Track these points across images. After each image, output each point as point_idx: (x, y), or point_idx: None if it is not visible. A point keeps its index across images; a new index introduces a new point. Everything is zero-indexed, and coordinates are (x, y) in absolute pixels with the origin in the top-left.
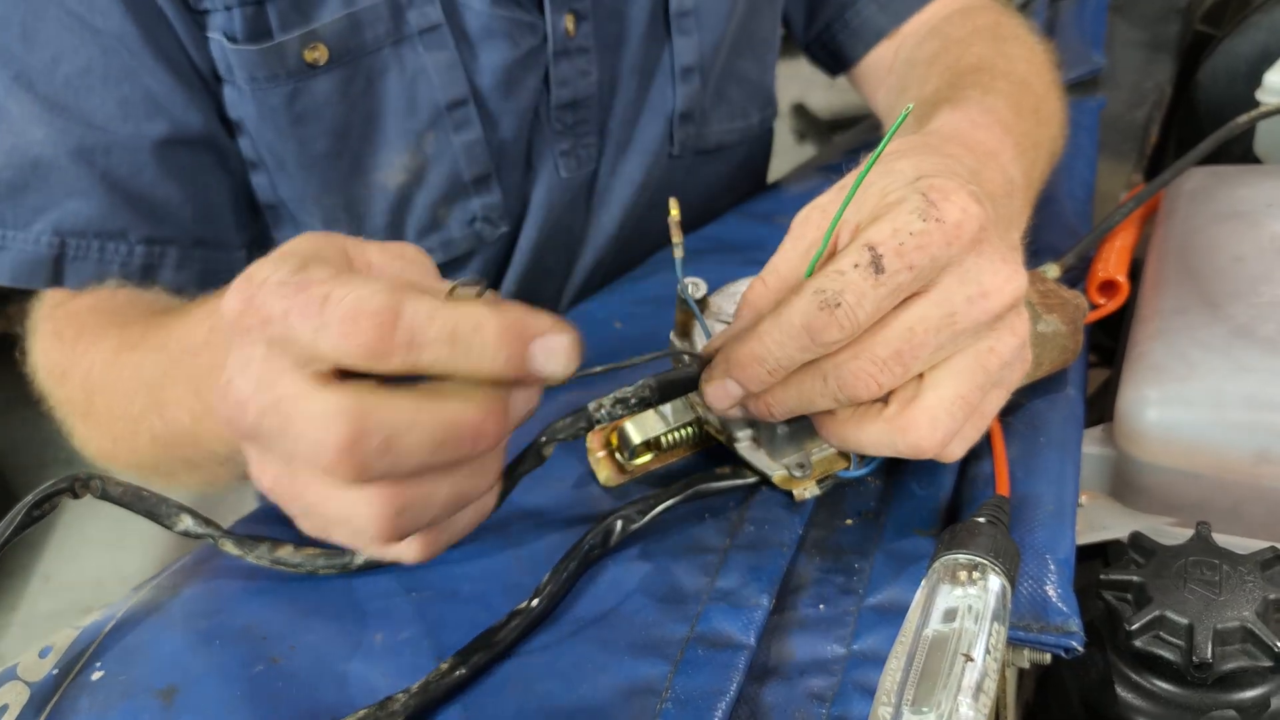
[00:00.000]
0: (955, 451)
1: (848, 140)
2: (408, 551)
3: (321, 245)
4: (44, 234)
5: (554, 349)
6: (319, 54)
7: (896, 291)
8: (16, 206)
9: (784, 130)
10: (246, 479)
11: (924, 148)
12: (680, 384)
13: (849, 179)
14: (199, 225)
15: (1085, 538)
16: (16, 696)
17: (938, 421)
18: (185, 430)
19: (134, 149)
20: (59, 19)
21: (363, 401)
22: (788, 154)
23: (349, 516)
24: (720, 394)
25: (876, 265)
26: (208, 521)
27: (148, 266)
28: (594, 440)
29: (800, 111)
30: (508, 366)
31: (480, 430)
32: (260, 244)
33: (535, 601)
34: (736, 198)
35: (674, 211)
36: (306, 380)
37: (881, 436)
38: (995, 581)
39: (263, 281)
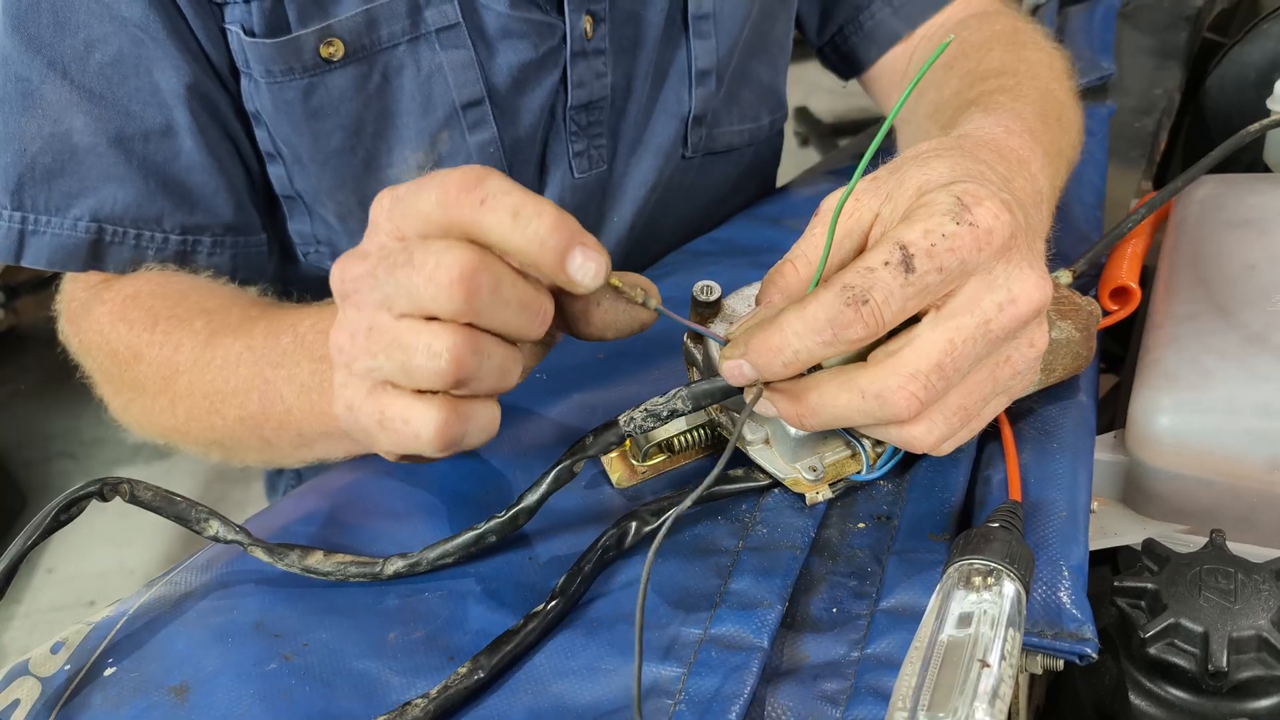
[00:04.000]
0: (945, 449)
1: (855, 145)
2: (430, 422)
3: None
4: (81, 219)
5: (589, 259)
6: (335, 49)
7: (924, 293)
8: (51, 192)
9: (787, 134)
10: (313, 464)
11: (958, 150)
12: (713, 394)
13: (882, 172)
14: (230, 211)
15: (1096, 544)
16: (28, 691)
17: (934, 425)
18: (282, 408)
19: (169, 136)
20: (88, 7)
21: (479, 252)
22: (791, 157)
23: (414, 415)
24: (735, 373)
25: (907, 264)
26: (238, 528)
27: (182, 253)
28: None
29: (804, 116)
30: (549, 253)
31: (548, 309)
32: (275, 236)
33: (553, 604)
34: (745, 199)
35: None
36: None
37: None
38: (1010, 587)
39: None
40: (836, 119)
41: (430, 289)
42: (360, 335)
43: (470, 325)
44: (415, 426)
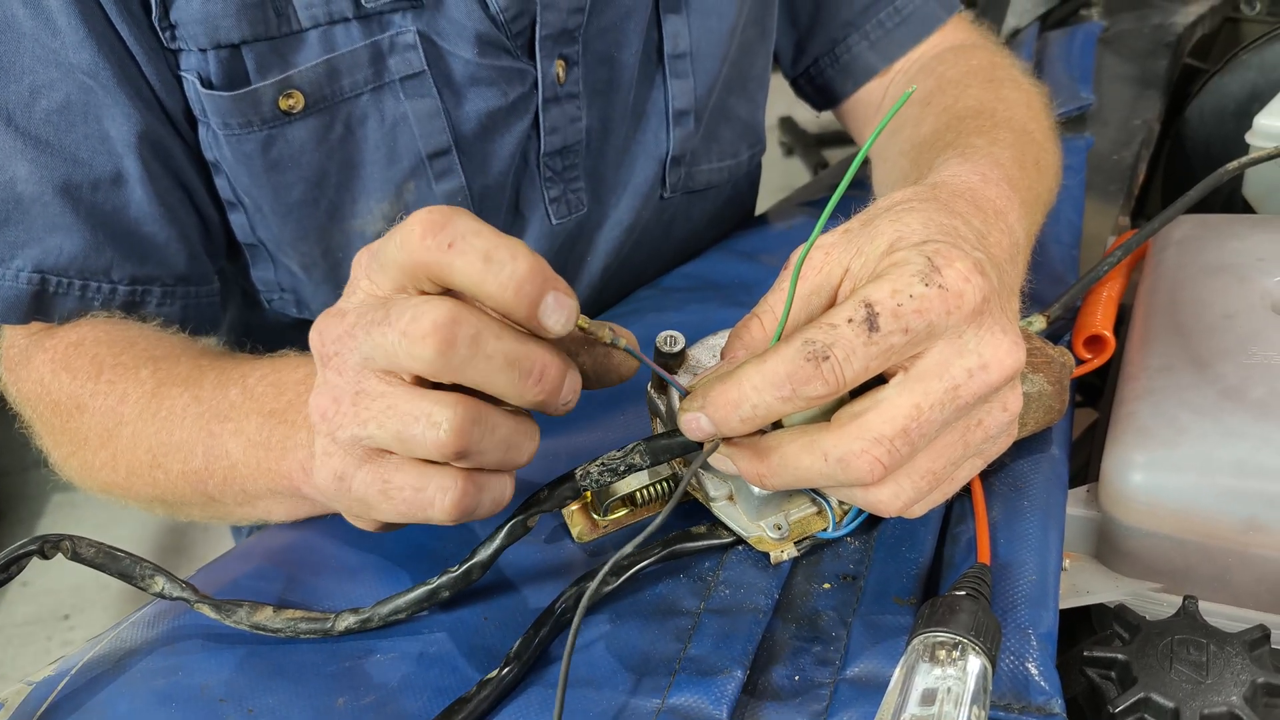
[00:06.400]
0: (916, 512)
1: (830, 175)
2: (448, 490)
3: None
4: (24, 270)
5: (561, 305)
6: (294, 101)
7: (888, 353)
8: None
9: (771, 143)
10: (257, 523)
11: (934, 203)
12: (671, 449)
13: (854, 223)
14: (183, 262)
15: (1068, 602)
16: None
17: (901, 489)
18: (227, 464)
19: (119, 185)
20: (34, 53)
21: (458, 305)
22: (776, 167)
23: (429, 484)
24: (692, 427)
25: (871, 323)
26: (184, 584)
27: (130, 303)
28: None
29: (788, 125)
30: (524, 301)
31: (546, 367)
32: (237, 280)
33: (506, 670)
34: (722, 233)
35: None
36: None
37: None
38: (975, 662)
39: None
40: (821, 128)
41: (404, 343)
42: (346, 400)
43: (472, 394)
44: (430, 494)
